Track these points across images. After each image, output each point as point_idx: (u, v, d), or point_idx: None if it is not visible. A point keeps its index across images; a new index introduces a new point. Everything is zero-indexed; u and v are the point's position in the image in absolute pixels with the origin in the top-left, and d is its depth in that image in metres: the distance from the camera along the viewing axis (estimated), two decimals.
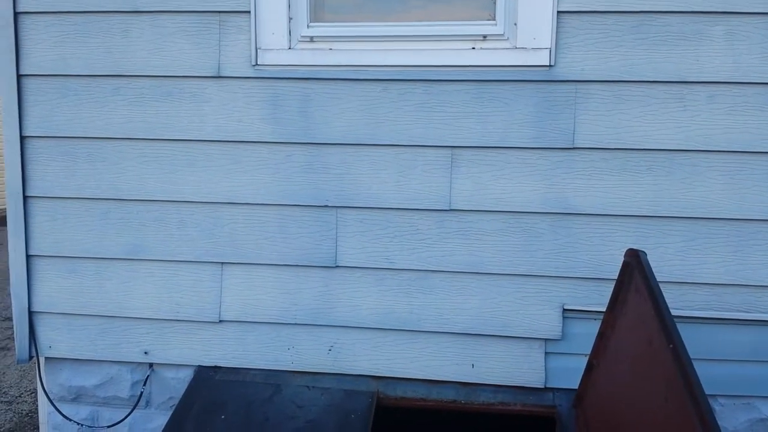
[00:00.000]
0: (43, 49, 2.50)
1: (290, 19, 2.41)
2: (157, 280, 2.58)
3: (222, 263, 2.54)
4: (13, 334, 5.59)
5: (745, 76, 2.22)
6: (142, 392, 2.65)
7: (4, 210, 11.51)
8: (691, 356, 1.66)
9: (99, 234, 2.58)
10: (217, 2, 2.40)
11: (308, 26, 2.42)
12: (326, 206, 2.46)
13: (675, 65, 2.25)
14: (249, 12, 2.39)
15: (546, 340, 2.43)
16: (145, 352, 2.61)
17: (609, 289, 2.09)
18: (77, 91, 2.52)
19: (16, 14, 2.48)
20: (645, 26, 2.25)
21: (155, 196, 2.53)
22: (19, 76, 2.52)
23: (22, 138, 2.55)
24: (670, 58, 2.24)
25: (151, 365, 2.65)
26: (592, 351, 2.18)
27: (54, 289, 2.63)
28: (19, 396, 4.48)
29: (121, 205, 2.56)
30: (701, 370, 1.66)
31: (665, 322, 1.75)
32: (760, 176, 2.26)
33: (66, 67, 2.51)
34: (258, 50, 2.41)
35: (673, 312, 1.80)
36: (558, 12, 2.27)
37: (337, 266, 2.49)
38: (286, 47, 2.41)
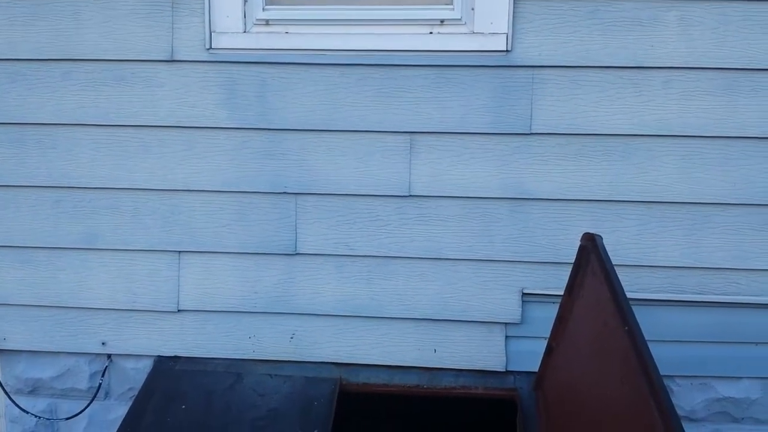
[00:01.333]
0: None
1: (245, 1, 2.35)
2: (113, 270, 2.53)
3: (179, 252, 2.50)
4: None
5: (698, 61, 2.24)
6: (100, 383, 2.61)
7: None
8: (648, 338, 1.67)
9: (52, 223, 2.51)
10: None
11: (263, 9, 2.37)
12: (285, 193, 2.43)
13: (630, 51, 2.25)
14: None
15: (506, 324, 2.45)
16: (103, 343, 2.57)
17: (567, 273, 2.11)
18: (26, 75, 2.43)
19: None
20: (600, 12, 2.24)
21: (108, 184, 2.47)
22: None
23: None
24: (625, 43, 2.25)
25: (109, 356, 2.61)
26: (551, 334, 2.21)
27: (7, 280, 2.57)
28: None
29: (73, 193, 2.49)
30: (657, 351, 1.69)
31: (620, 305, 1.77)
32: (714, 160, 2.30)
33: (14, 52, 2.41)
34: (212, 33, 2.35)
35: (630, 295, 1.81)
36: None
37: (297, 253, 2.47)
38: (241, 30, 2.36)
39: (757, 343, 2.42)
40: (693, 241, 2.35)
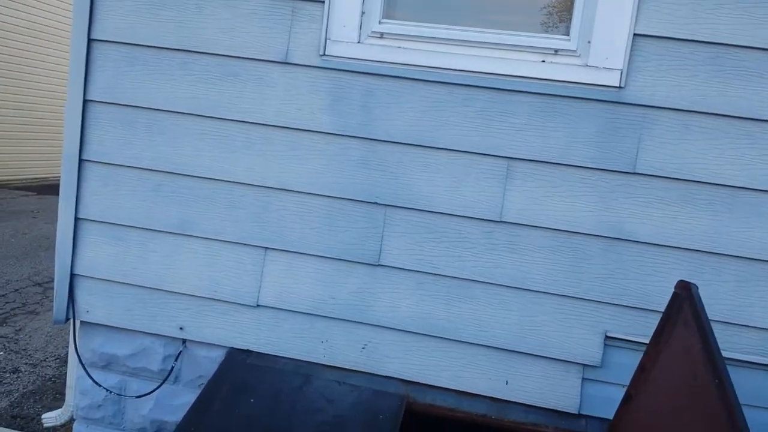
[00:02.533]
0: (116, 16, 2.54)
1: (363, 13, 2.41)
2: (201, 258, 2.59)
3: (266, 248, 2.55)
4: (42, 299, 5.71)
5: None
6: (173, 367, 2.66)
7: (48, 180, 11.70)
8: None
9: (149, 204, 2.60)
10: None
11: (380, 22, 2.43)
12: (376, 203, 2.45)
13: (748, 101, 2.20)
14: (323, 2, 2.40)
15: (584, 365, 2.38)
16: (181, 328, 2.63)
17: (655, 321, 2.04)
18: (146, 61, 2.55)
19: None
20: (721, 59, 2.20)
21: (209, 174, 2.55)
22: (89, 40, 2.55)
23: (85, 101, 2.59)
24: (744, 93, 2.19)
25: (184, 341, 2.66)
26: (631, 382, 2.13)
27: (98, 255, 2.66)
28: (44, 360, 4.54)
29: (174, 179, 2.57)
30: (747, 416, 1.61)
31: (713, 358, 1.70)
32: None
33: (136, 37, 2.54)
34: (327, 41, 2.42)
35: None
36: (634, 34, 2.23)
37: (380, 265, 2.48)
38: (356, 41, 2.42)
39: None
40: None
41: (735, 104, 2.21)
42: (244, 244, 2.55)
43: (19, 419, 3.72)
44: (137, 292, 2.65)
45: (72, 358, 2.82)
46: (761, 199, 2.22)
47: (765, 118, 2.19)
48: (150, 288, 2.64)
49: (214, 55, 2.51)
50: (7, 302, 5.57)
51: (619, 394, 2.18)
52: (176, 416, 2.65)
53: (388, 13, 2.47)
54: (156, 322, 2.65)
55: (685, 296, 1.92)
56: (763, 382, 2.29)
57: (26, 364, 4.44)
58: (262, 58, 2.47)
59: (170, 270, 2.61)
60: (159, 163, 2.58)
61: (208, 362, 2.62)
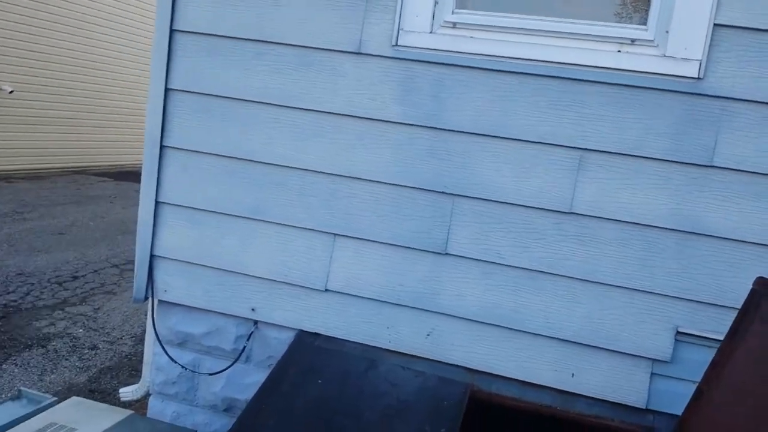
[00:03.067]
0: (198, 8, 2.63)
1: (436, 3, 2.43)
2: (273, 242, 2.67)
3: (335, 234, 2.61)
4: (119, 280, 5.98)
5: None
6: (244, 347, 2.76)
7: (125, 167, 12.21)
8: None
9: (225, 190, 2.70)
10: None
11: (453, 12, 2.44)
12: (444, 192, 2.47)
13: None
14: None
15: (654, 360, 2.34)
16: (253, 309, 2.72)
17: (729, 318, 2.01)
18: (223, 51, 2.63)
19: None
20: None
21: (281, 161, 2.62)
22: (171, 31, 2.66)
23: (167, 90, 2.70)
24: None
25: (256, 322, 2.76)
26: (703, 378, 2.08)
27: (177, 237, 2.78)
28: (121, 338, 4.77)
29: (247, 166, 2.66)
30: None
31: None
32: None
33: (216, 28, 2.62)
34: (400, 31, 2.44)
35: None
36: (714, 24, 2.17)
37: (447, 254, 2.50)
38: (428, 31, 2.44)
39: None
40: None
41: None
42: (314, 230, 2.62)
43: (96, 393, 3.93)
44: (213, 274, 2.76)
45: (149, 336, 2.96)
46: None
47: None
48: (225, 270, 2.74)
49: (288, 45, 2.57)
50: (86, 282, 5.86)
51: (689, 390, 2.13)
52: (247, 394, 2.76)
53: (461, 2, 2.47)
54: (230, 303, 2.75)
55: (764, 293, 1.88)
56: None
57: (104, 341, 4.68)
58: (335, 48, 2.52)
59: (244, 253, 2.71)
60: (235, 149, 2.67)
61: (278, 343, 2.71)
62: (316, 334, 2.66)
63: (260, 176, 2.65)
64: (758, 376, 1.82)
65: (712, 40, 2.19)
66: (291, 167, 2.62)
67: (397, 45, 2.45)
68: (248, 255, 2.70)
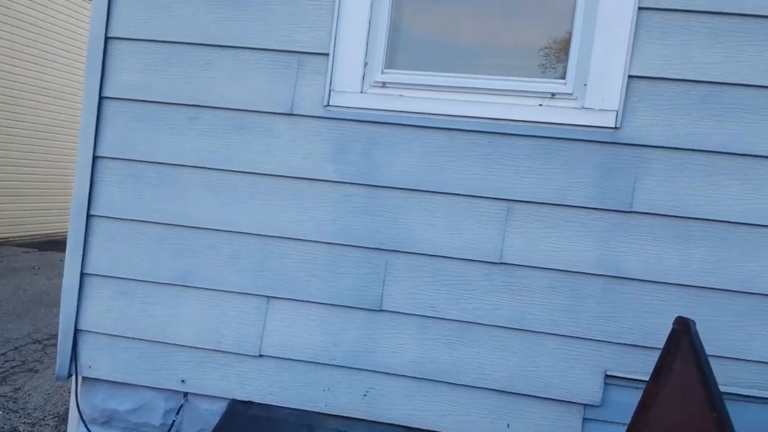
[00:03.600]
0: (127, 74, 2.63)
1: (366, 64, 2.50)
2: (204, 309, 2.61)
3: (269, 297, 2.56)
4: (41, 356, 5.65)
5: None
6: (174, 421, 2.64)
7: (50, 236, 11.65)
8: None
9: (153, 258, 2.63)
10: (298, 43, 2.51)
11: (382, 72, 2.52)
12: (378, 249, 2.49)
13: (741, 138, 2.26)
14: (328, 55, 2.49)
15: (585, 405, 2.37)
16: (182, 381, 2.62)
17: (655, 358, 2.05)
18: (155, 117, 2.62)
19: (106, 39, 2.62)
20: (714, 97, 2.28)
21: (212, 225, 2.59)
22: (101, 98, 2.64)
23: (95, 158, 2.65)
24: (737, 130, 2.26)
25: (185, 394, 2.64)
26: (631, 420, 2.11)
27: (102, 309, 2.67)
28: (43, 419, 4.47)
29: (178, 231, 2.61)
30: None
31: (711, 393, 1.71)
32: None
33: (147, 93, 2.62)
34: (331, 92, 2.50)
35: (720, 388, 1.77)
36: (629, 76, 2.31)
37: (382, 310, 2.49)
38: (359, 90, 2.50)
39: None
40: None
41: (729, 141, 2.27)
42: (247, 294, 2.57)
43: None
44: (141, 346, 2.65)
45: (72, 415, 2.79)
46: (756, 233, 2.26)
47: (760, 154, 2.25)
48: (153, 341, 2.64)
49: (222, 109, 2.58)
50: (6, 361, 5.51)
51: None
52: None
53: (390, 62, 2.56)
54: (158, 375, 2.64)
55: (683, 332, 1.93)
56: (763, 416, 2.28)
57: (25, 423, 4.37)
58: (268, 110, 2.55)
59: (173, 322, 2.62)
60: (165, 216, 2.62)
61: (210, 415, 2.60)
62: (250, 403, 2.57)
63: (191, 241, 2.61)
64: (683, 415, 1.86)
65: (627, 90, 2.33)
66: (223, 231, 2.59)
67: (329, 105, 2.50)
68: (178, 324, 2.62)
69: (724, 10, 2.24)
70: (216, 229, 2.58)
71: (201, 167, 2.59)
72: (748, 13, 2.23)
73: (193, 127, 2.59)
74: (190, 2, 2.58)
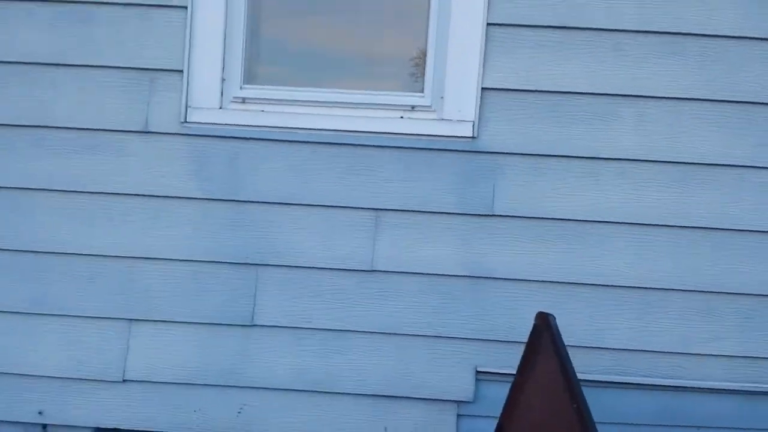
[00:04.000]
0: None
1: (223, 80, 2.46)
2: (60, 336, 2.44)
3: (130, 320, 2.44)
4: None
5: (652, 154, 2.38)
6: None
7: None
8: (597, 419, 1.70)
9: (2, 285, 2.45)
10: (149, 60, 2.42)
11: (241, 87, 2.48)
12: (246, 263, 2.43)
13: (588, 142, 2.39)
14: (182, 71, 2.42)
15: (458, 402, 2.43)
16: (40, 412, 2.43)
17: (521, 351, 2.12)
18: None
19: None
20: (562, 105, 2.40)
21: (67, 249, 2.44)
22: None
23: None
24: (584, 135, 2.39)
25: (44, 426, 2.46)
26: (501, 413, 2.18)
27: None
28: None
29: (29, 257, 2.44)
30: None
31: (570, 383, 1.80)
32: (664, 248, 2.40)
33: None
34: (188, 108, 2.43)
35: (581, 376, 1.86)
36: (482, 88, 2.40)
37: (254, 325, 2.44)
38: (218, 107, 2.45)
39: (699, 427, 2.43)
40: (642, 324, 2.41)
41: (577, 145, 2.40)
42: (107, 318, 2.43)
43: None
44: None
45: None
46: (605, 229, 2.40)
47: (604, 156, 2.40)
48: (5, 373, 2.44)
49: (70, 129, 2.44)
50: None
51: (494, 426, 2.21)
52: None
53: (250, 77, 2.53)
54: (13, 409, 2.44)
55: (544, 327, 2.02)
56: (622, 399, 2.43)
57: None
58: (120, 128, 2.43)
59: (28, 351, 2.44)
60: (13, 242, 2.45)
61: None
62: (117, 430, 2.42)
63: (44, 267, 2.44)
64: (548, 405, 1.94)
65: (481, 102, 2.41)
66: (79, 254, 2.44)
67: (186, 122, 2.43)
68: (32, 353, 2.44)
69: (568, 25, 2.38)
70: (71, 253, 2.43)
71: (52, 190, 2.44)
72: (592, 26, 2.38)
73: (42, 148, 2.44)
74: (31, 17, 2.43)
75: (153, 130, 2.44)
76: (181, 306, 2.44)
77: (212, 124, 2.44)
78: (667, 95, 2.39)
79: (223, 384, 2.43)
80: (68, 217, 2.45)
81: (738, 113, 2.39)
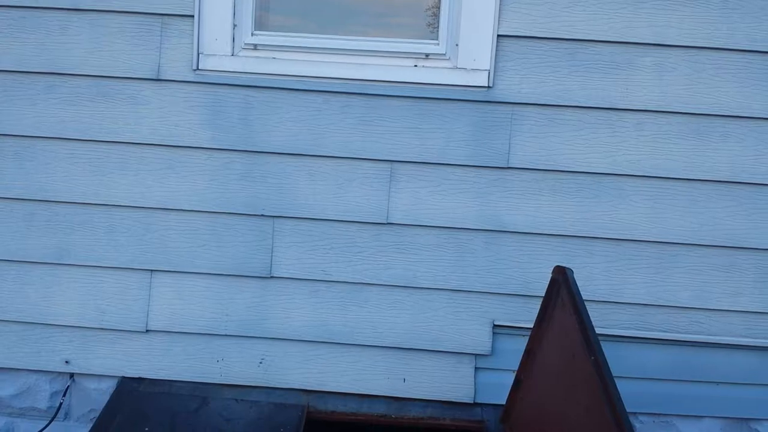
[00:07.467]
0: None
1: (234, 26, 2.40)
2: (82, 287, 2.49)
3: (151, 270, 2.48)
4: None
5: (671, 105, 2.33)
6: (61, 403, 2.53)
7: None
8: (615, 374, 1.72)
9: (22, 236, 2.47)
10: (160, 5, 2.36)
11: (252, 34, 2.42)
12: (262, 215, 2.44)
13: (606, 93, 2.34)
14: (193, 16, 2.36)
15: (476, 355, 2.47)
16: (66, 362, 2.51)
17: (538, 306, 2.14)
18: (7, 87, 2.42)
19: None
20: (579, 53, 2.34)
21: (84, 199, 2.45)
22: None
23: None
24: (601, 85, 2.34)
25: (71, 375, 2.54)
26: (519, 366, 2.22)
27: None
28: None
29: (47, 207, 2.46)
30: (624, 387, 1.73)
31: (588, 337, 1.81)
32: (682, 201, 2.38)
33: None
34: (200, 55, 2.39)
35: (598, 330, 1.86)
36: (498, 35, 2.33)
37: (272, 277, 2.47)
38: (229, 54, 2.40)
39: (718, 383, 2.47)
40: (659, 279, 2.41)
41: (594, 96, 2.35)
42: (128, 269, 2.47)
43: None
44: (17, 329, 2.51)
45: None
46: (622, 182, 2.38)
47: (622, 107, 2.35)
48: (30, 323, 2.50)
49: (82, 76, 2.41)
50: None
51: (511, 379, 2.27)
52: None
53: (261, 24, 2.47)
54: (40, 358, 2.51)
55: (562, 280, 2.03)
56: (640, 354, 2.45)
57: None
58: (133, 76, 2.40)
59: (51, 302, 2.49)
60: (31, 191, 2.46)
61: (99, 394, 2.51)
62: (141, 379, 2.50)
63: (62, 217, 2.46)
64: (563, 359, 1.97)
65: (497, 50, 2.35)
66: (96, 204, 2.46)
67: (198, 69, 2.39)
68: (56, 303, 2.49)
69: None
70: (89, 203, 2.45)
71: (65, 138, 2.43)
72: None
73: (53, 96, 2.41)
74: None
75: (165, 78, 2.40)
76: (200, 258, 2.46)
77: (225, 72, 2.40)
78: (686, 44, 2.32)
79: (244, 335, 2.48)
80: (82, 166, 2.45)
81: (760, 64, 2.32)
